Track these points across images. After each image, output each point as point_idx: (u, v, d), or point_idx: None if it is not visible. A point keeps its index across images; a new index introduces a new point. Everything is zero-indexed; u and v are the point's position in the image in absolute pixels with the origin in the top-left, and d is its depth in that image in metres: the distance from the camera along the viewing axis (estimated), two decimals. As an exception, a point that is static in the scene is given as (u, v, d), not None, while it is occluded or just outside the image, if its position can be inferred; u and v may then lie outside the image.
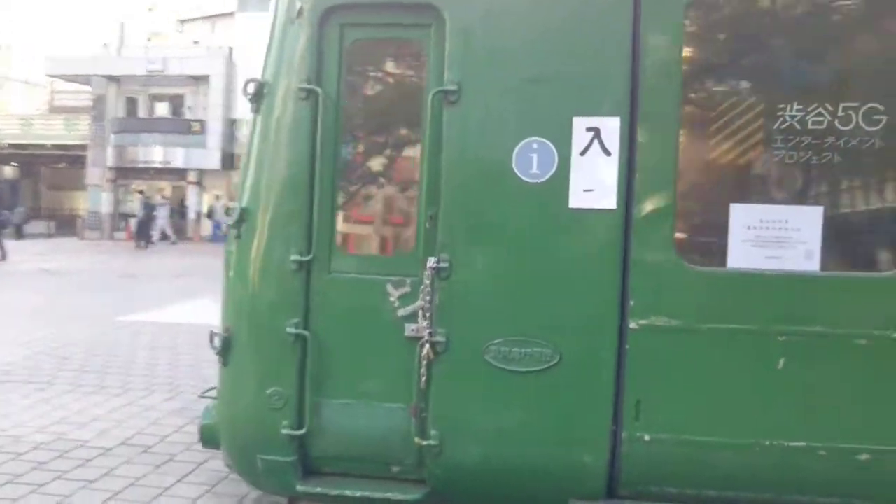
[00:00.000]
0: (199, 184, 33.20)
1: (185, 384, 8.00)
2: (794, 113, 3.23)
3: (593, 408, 3.33)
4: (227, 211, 3.64)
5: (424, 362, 3.38)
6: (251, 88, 3.53)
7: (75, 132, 36.74)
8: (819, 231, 3.25)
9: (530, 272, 3.37)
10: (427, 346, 3.38)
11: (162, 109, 34.00)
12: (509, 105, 3.38)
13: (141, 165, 33.35)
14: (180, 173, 33.47)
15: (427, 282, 3.38)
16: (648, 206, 3.29)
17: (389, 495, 3.45)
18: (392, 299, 3.48)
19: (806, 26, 3.39)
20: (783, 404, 3.25)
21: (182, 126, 33.03)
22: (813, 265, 3.25)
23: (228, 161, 33.01)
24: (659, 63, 3.26)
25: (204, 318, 12.14)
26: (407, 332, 3.44)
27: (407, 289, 3.46)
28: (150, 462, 5.68)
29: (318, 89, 3.43)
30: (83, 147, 34.99)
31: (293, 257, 3.47)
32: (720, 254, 3.33)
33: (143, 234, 27.88)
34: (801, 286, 3.25)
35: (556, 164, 3.34)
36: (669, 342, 3.29)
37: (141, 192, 30.66)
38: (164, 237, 29.58)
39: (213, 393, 3.76)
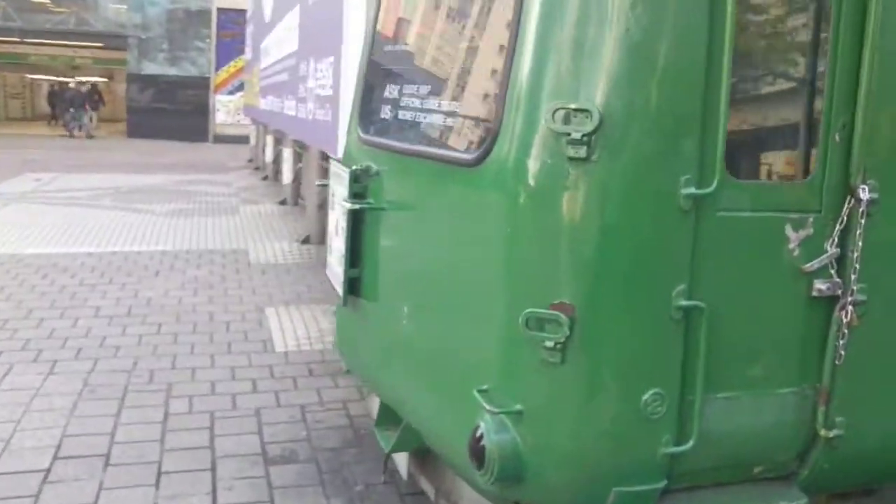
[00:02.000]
0: None
1: (45, 345, 5.75)
2: None
3: None
4: (566, 117, 2.18)
5: (846, 331, 2.47)
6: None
7: None
8: None
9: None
10: (849, 308, 2.46)
11: None
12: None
13: None
14: None
15: (848, 220, 2.43)
16: None
17: (781, 507, 2.56)
18: (791, 246, 2.45)
19: None
20: None
21: None
22: None
23: None
24: None
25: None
26: (815, 292, 2.47)
27: (809, 230, 2.45)
28: (134, 481, 3.87)
29: None
30: None
31: (685, 190, 2.24)
32: None
33: None
34: None
35: None
36: None
37: None
38: None
39: (493, 398, 2.39)
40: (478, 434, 2.43)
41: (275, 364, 5.68)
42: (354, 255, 3.42)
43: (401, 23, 3.32)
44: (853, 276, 2.44)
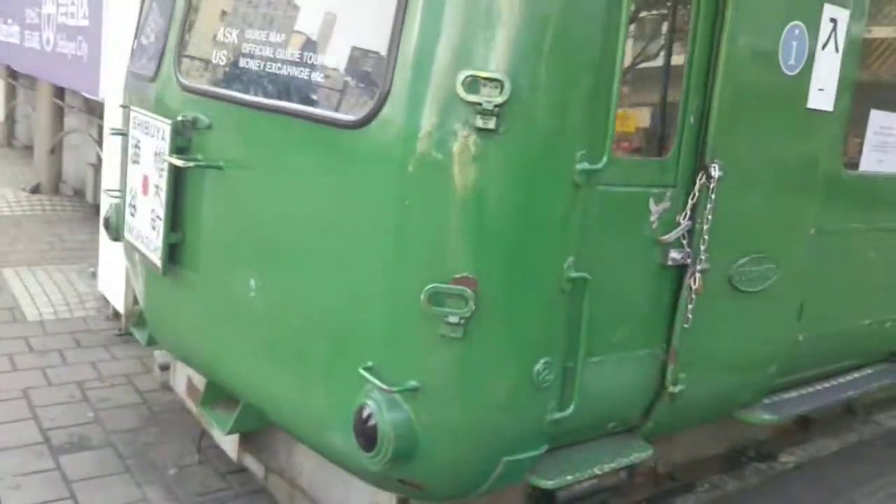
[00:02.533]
0: None
1: None
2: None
3: (784, 316, 3.20)
4: (473, 85, 2.08)
5: (693, 297, 2.71)
6: None
7: None
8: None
9: (778, 177, 2.96)
10: (697, 276, 2.70)
11: None
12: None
13: None
14: None
15: (699, 195, 2.65)
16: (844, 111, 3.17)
17: (633, 457, 2.76)
18: (653, 218, 2.61)
19: None
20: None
21: None
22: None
23: None
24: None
25: None
26: (669, 261, 2.67)
27: (667, 204, 2.64)
28: None
29: None
30: None
31: (580, 166, 2.28)
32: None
33: None
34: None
35: (805, 57, 2.90)
36: (837, 244, 3.35)
37: None
38: None
39: (383, 376, 2.26)
40: (365, 414, 2.30)
41: (31, 336, 4.93)
42: (175, 217, 3.03)
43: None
44: (702, 247, 2.68)
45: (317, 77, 2.53)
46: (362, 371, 2.31)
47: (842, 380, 3.87)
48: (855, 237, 3.48)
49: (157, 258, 3.10)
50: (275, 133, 2.66)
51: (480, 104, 2.10)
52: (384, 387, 2.26)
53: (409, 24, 2.20)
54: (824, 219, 3.23)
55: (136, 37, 4.12)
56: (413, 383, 2.27)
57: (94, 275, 5.98)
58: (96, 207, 8.23)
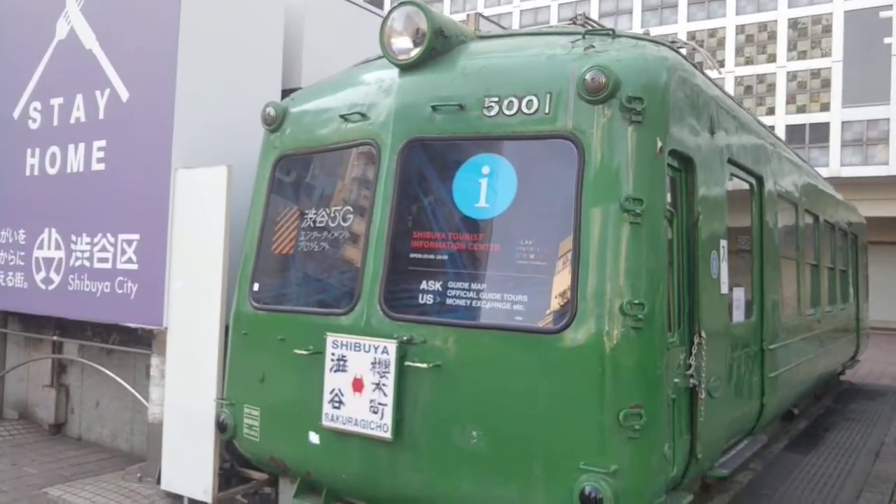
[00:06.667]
0: None
1: None
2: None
3: (725, 408, 5.64)
4: (625, 308, 4.29)
5: (702, 402, 5.02)
6: (634, 206, 4.39)
7: None
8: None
9: (718, 333, 5.46)
10: (702, 391, 5.03)
11: None
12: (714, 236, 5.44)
13: None
14: None
15: (697, 349, 5.04)
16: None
17: (689, 499, 4.90)
18: (681, 361, 4.93)
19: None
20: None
21: None
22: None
23: None
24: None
25: None
26: (690, 384, 4.97)
27: (683, 354, 4.98)
28: None
29: (674, 211, 4.68)
30: None
31: (669, 339, 4.55)
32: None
33: None
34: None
35: (718, 267, 5.52)
36: (732, 364, 5.95)
37: None
38: None
39: (596, 466, 4.19)
40: (587, 492, 4.22)
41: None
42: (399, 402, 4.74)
43: (437, 239, 4.89)
44: (703, 376, 5.04)
45: (516, 307, 4.55)
46: (582, 466, 4.25)
47: (739, 447, 6.40)
48: (735, 361, 6.10)
49: (383, 432, 4.73)
50: (481, 340, 4.59)
51: (635, 315, 4.30)
52: (605, 471, 4.21)
53: (582, 277, 4.36)
54: (729, 351, 5.80)
55: (252, 278, 5.76)
56: (615, 467, 4.26)
57: (140, 479, 6.86)
58: (58, 427, 8.72)
